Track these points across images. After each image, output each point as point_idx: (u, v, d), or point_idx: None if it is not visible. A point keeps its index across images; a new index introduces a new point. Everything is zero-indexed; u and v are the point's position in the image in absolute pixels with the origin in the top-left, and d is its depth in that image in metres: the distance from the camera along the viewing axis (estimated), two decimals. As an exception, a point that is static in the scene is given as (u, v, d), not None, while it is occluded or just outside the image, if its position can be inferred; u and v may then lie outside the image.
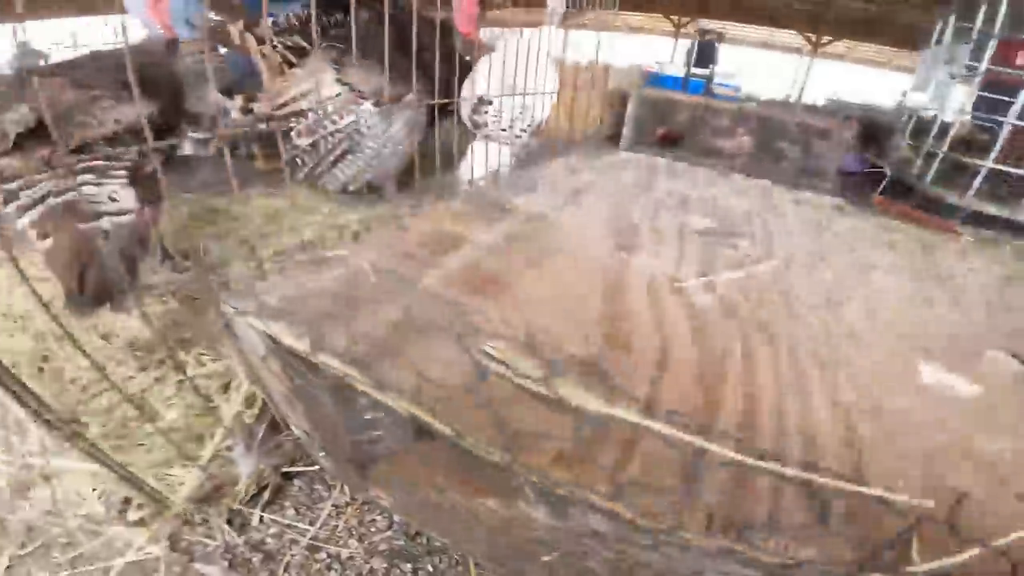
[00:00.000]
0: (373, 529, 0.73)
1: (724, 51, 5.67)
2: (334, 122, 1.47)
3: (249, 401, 0.69)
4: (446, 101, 1.63)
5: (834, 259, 0.79)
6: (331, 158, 1.52)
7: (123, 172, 0.93)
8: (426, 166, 1.32)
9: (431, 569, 0.69)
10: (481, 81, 1.32)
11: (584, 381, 0.41)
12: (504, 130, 1.26)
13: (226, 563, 0.65)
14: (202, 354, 0.90)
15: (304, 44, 1.51)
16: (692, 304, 0.57)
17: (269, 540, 0.68)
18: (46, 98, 0.86)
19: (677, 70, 5.49)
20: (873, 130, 4.23)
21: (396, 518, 0.72)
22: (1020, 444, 0.41)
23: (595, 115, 3.24)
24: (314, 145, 1.50)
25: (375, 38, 1.48)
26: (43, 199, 0.84)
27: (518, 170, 1.34)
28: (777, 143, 3.09)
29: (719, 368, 0.47)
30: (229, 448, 0.68)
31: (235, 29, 1.41)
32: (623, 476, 0.33)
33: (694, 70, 5.21)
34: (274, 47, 1.48)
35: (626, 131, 3.20)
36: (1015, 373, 0.54)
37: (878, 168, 3.56)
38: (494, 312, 0.51)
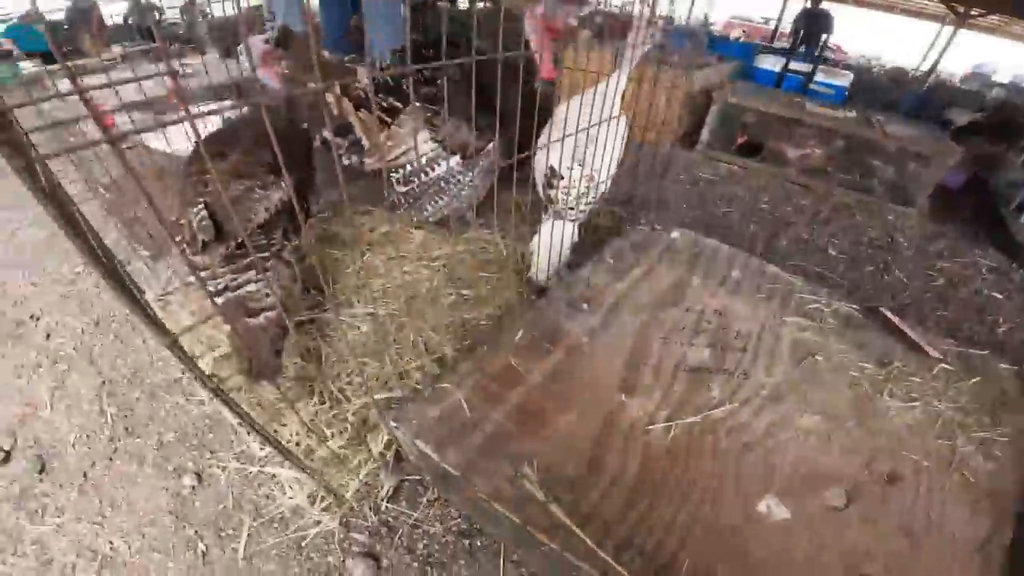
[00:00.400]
0: (449, 517, 1.32)
1: (849, 13, 5.24)
2: (426, 173, 1.97)
3: (387, 445, 1.29)
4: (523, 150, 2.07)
5: (786, 400, 1.24)
6: (421, 199, 2.03)
7: (272, 260, 1.38)
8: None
9: (479, 544, 1.28)
10: (553, 151, 1.70)
11: (565, 502, 0.95)
12: (571, 208, 1.68)
13: (367, 533, 1.27)
14: (343, 389, 1.50)
15: (397, 104, 1.96)
16: (650, 444, 1.08)
17: (390, 520, 1.30)
18: (217, 198, 1.25)
19: (772, 61, 5.23)
20: (1008, 120, 4.04)
21: (462, 512, 1.31)
22: (783, 556, 0.91)
23: (673, 117, 3.45)
24: (408, 191, 2.01)
25: (462, 94, 1.91)
26: (223, 291, 1.28)
27: (575, 262, 1.77)
28: (869, 158, 3.23)
29: (642, 491, 0.99)
30: (376, 468, 1.29)
31: (332, 96, 1.88)
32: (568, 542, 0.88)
33: (793, 65, 4.99)
34: (371, 111, 1.94)
35: (704, 134, 3.45)
36: (829, 505, 1.01)
37: (982, 180, 3.54)
38: (533, 442, 1.05)
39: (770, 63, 5.27)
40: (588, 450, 1.06)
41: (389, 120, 1.97)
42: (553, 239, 1.63)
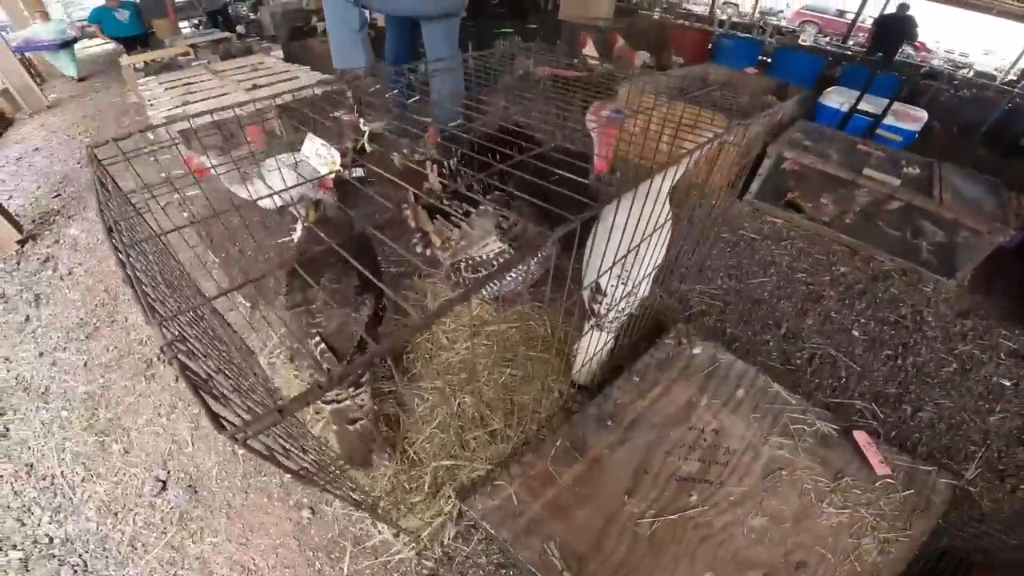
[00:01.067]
0: (492, 552, 2.15)
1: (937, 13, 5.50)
2: (493, 265, 2.73)
3: (454, 506, 2.14)
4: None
5: (745, 505, 2.02)
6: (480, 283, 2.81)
7: (367, 375, 2.14)
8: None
9: (511, 574, 2.12)
10: (597, 261, 2.40)
11: (574, 570, 1.79)
12: (611, 322, 2.42)
13: (434, 561, 2.13)
14: (418, 453, 2.34)
15: (470, 209, 2.71)
16: (636, 534, 1.90)
17: (450, 552, 2.15)
18: (327, 328, 1.94)
19: (840, 99, 5.62)
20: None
21: (502, 551, 2.15)
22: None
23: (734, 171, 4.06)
24: (473, 277, 2.79)
25: (526, 192, 2.64)
26: (330, 403, 2.08)
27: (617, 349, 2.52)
28: (921, 220, 3.83)
29: (625, 566, 1.82)
30: (444, 519, 2.14)
31: (408, 208, 2.64)
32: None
33: (862, 105, 5.39)
34: (447, 216, 2.70)
35: (754, 185, 4.09)
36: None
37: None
38: (558, 527, 1.89)
39: (837, 101, 5.69)
40: (594, 535, 1.90)
41: (459, 225, 2.71)
42: (594, 347, 2.40)
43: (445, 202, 2.68)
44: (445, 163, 2.80)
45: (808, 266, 3.79)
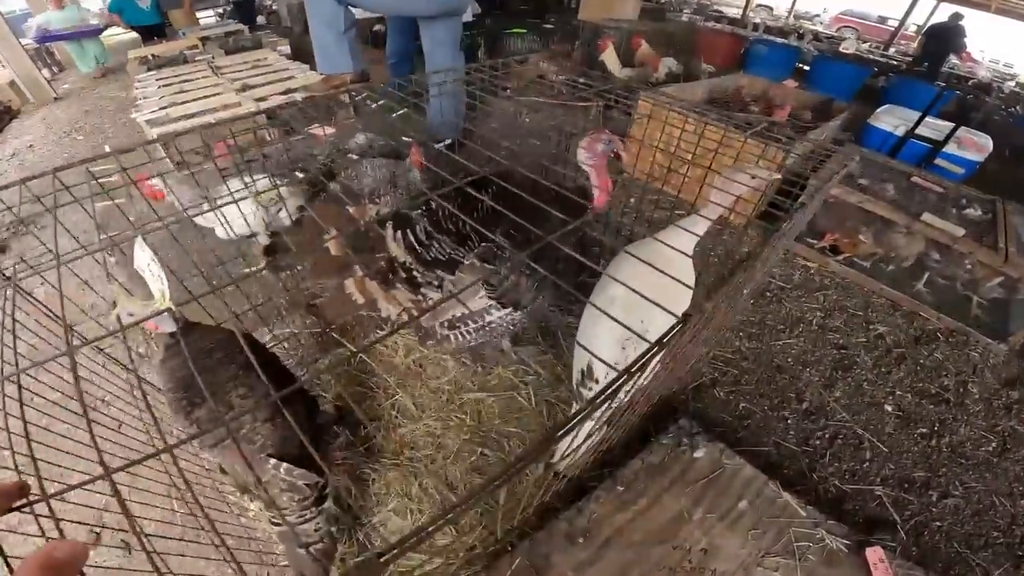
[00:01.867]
0: None
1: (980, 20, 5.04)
2: (476, 321, 2.46)
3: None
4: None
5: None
6: (463, 338, 2.55)
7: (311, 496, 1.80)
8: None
9: None
10: (590, 339, 2.02)
11: None
12: (603, 411, 2.12)
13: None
14: (368, 535, 2.11)
15: (449, 276, 2.42)
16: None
17: None
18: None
19: (895, 122, 5.10)
20: None
21: None
22: None
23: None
24: (452, 335, 2.53)
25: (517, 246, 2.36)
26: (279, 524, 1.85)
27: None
28: (978, 271, 3.45)
29: None
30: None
31: (354, 284, 2.37)
32: None
33: (921, 131, 4.85)
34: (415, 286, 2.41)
35: (787, 225, 3.71)
36: None
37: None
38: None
39: (891, 123, 5.14)
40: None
41: (425, 293, 2.42)
42: (580, 436, 2.11)
43: (415, 273, 2.41)
44: (409, 232, 2.51)
45: (842, 323, 3.42)
